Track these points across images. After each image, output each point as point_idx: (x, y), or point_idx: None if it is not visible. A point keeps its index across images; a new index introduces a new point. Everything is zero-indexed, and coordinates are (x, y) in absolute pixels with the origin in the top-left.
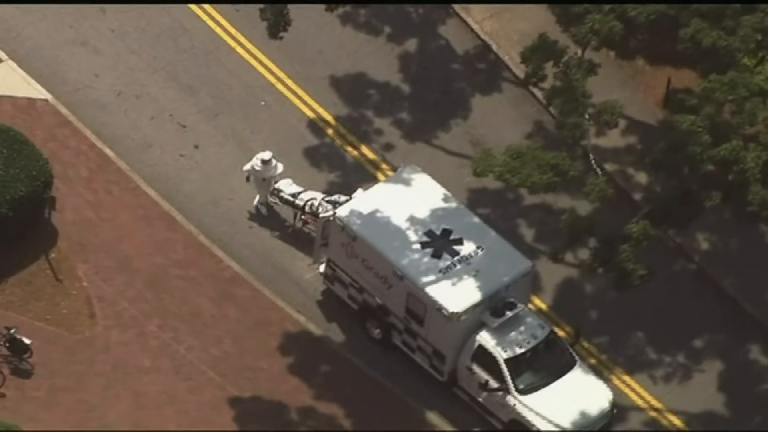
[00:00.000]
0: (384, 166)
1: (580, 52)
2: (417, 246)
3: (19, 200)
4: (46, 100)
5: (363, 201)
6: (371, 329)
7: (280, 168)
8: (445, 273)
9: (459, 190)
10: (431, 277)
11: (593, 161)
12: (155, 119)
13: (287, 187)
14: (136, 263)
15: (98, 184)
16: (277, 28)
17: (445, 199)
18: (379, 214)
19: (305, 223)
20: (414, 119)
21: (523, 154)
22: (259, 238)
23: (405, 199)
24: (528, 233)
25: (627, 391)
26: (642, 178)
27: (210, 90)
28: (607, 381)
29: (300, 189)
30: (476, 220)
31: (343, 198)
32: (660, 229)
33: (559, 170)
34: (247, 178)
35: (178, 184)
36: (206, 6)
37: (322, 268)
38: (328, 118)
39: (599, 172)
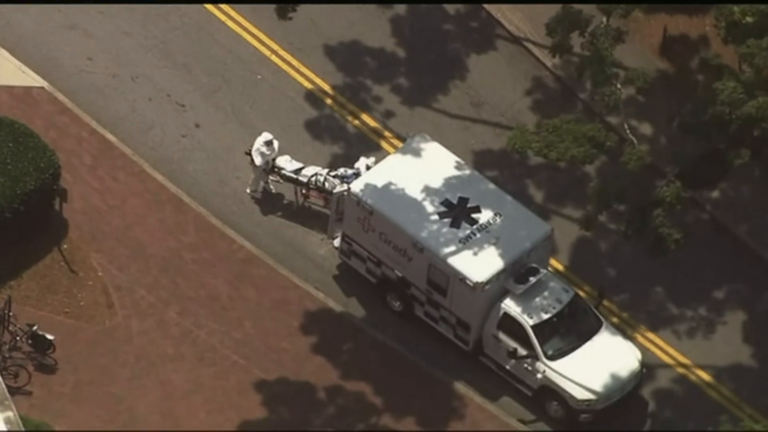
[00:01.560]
0: (387, 134)
1: (605, 20)
2: (435, 217)
3: (30, 194)
4: (42, 88)
5: (376, 174)
6: (391, 302)
7: (277, 145)
8: (466, 242)
9: (464, 153)
10: (452, 248)
11: (627, 130)
12: (153, 100)
13: (287, 163)
14: (148, 249)
15: (103, 171)
16: (285, 9)
17: (458, 167)
18: (393, 187)
19: (306, 197)
20: (412, 84)
21: (558, 127)
22: (268, 215)
23: (418, 170)
24: (537, 194)
25: (653, 348)
26: (646, 129)
27: (205, 67)
28: (632, 339)
29: (300, 164)
30: (491, 186)
31: (350, 171)
32: (690, 191)
33: (596, 141)
34: (252, 161)
35: (183, 165)
36: None
37: (336, 242)
38: (326, 88)
39: (635, 141)
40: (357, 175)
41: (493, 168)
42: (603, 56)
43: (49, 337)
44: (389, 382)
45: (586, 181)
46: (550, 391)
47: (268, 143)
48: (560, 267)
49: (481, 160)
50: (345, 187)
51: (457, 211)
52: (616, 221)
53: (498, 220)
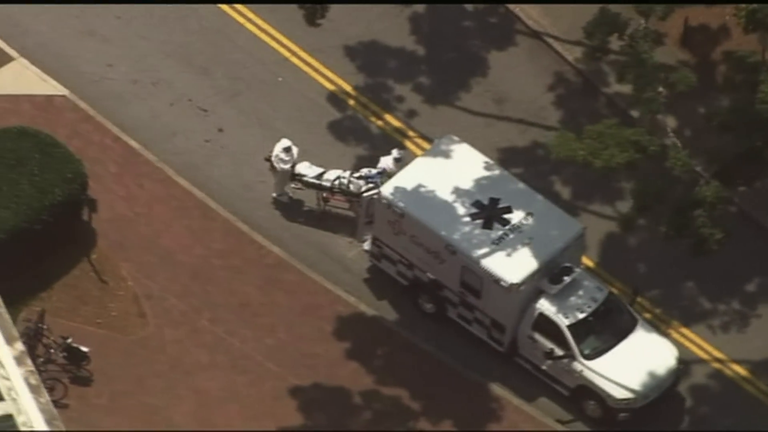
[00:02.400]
0: (411, 133)
1: (643, 22)
2: (466, 218)
3: (58, 205)
4: (64, 96)
5: (406, 177)
6: (424, 304)
7: (296, 151)
8: (499, 243)
9: (489, 151)
10: (485, 249)
11: (671, 133)
12: (175, 105)
13: (307, 169)
14: (177, 256)
15: (128, 179)
16: (314, 15)
17: (488, 167)
18: (423, 189)
19: (326, 201)
20: (433, 82)
21: (601, 133)
22: (294, 220)
23: (447, 171)
24: (564, 190)
25: (687, 343)
26: (670, 122)
27: (225, 70)
28: (666, 336)
29: (320, 169)
30: (522, 185)
31: (374, 171)
32: (730, 190)
33: (640, 146)
34: (271, 167)
35: (208, 170)
36: None
37: (366, 245)
38: (348, 88)
39: (678, 144)
40: (381, 174)
41: (519, 165)
42: (643, 59)
43: (84, 349)
44: (425, 385)
45: (612, 177)
46: (587, 391)
47: (287, 150)
48: (590, 264)
49: (505, 158)
50: (374, 190)
51: (489, 212)
52: (651, 220)
53: (530, 220)
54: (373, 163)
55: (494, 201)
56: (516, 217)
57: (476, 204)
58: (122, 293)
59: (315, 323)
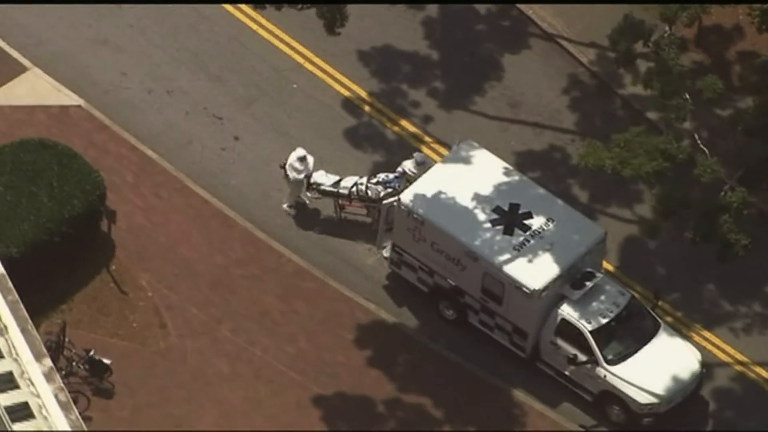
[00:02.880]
0: (427, 138)
1: (667, 29)
2: (487, 224)
3: (78, 217)
4: (79, 106)
5: (425, 184)
6: (444, 311)
7: (311, 161)
8: (520, 249)
9: (505, 155)
10: (507, 256)
11: (698, 141)
12: (190, 114)
13: (324, 178)
14: (196, 266)
15: (146, 188)
16: (334, 24)
17: (507, 173)
18: (443, 196)
19: (342, 208)
20: (448, 86)
21: (629, 141)
22: (312, 227)
23: (466, 177)
24: (582, 194)
25: (709, 346)
26: (686, 124)
27: (240, 78)
28: (688, 339)
29: (336, 177)
30: (541, 191)
31: (391, 175)
32: (755, 195)
33: (668, 155)
34: (286, 176)
35: (225, 179)
36: None
37: (385, 252)
38: (363, 94)
39: (706, 151)
40: (399, 178)
41: (536, 169)
42: (669, 67)
43: (106, 361)
44: (448, 392)
45: (629, 180)
46: (611, 396)
47: (302, 159)
48: (610, 268)
49: (522, 162)
50: (392, 194)
51: (510, 217)
52: (674, 225)
53: (551, 225)
54: (391, 169)
55: (515, 207)
56: (537, 222)
57: (497, 210)
58: (142, 304)
59: (335, 331)
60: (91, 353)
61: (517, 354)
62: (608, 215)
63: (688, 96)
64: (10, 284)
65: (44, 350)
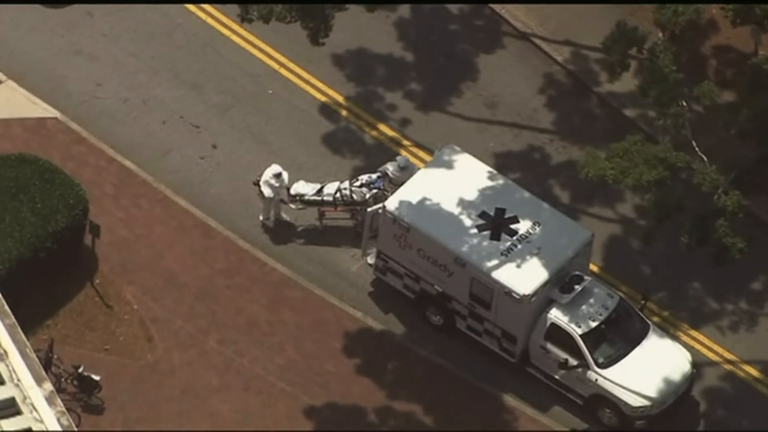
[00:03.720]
0: (406, 142)
1: (660, 35)
2: (474, 230)
3: (61, 232)
4: (55, 118)
5: (409, 190)
6: (431, 317)
7: (286, 176)
8: (508, 255)
9: (484, 156)
10: (494, 261)
11: (696, 148)
12: (167, 123)
13: (305, 188)
14: (181, 278)
15: (126, 200)
16: (318, 34)
17: (491, 177)
18: (428, 202)
19: (323, 215)
20: (424, 88)
21: (627, 150)
22: (295, 235)
23: (451, 183)
24: (563, 194)
25: (697, 346)
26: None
27: (215, 85)
28: (677, 339)
29: (318, 185)
30: (526, 194)
31: (374, 176)
32: (749, 198)
33: (667, 163)
34: (260, 192)
35: (205, 188)
36: None
37: (370, 259)
38: (339, 99)
39: (705, 159)
40: (382, 178)
41: (516, 170)
42: (666, 74)
43: (95, 377)
44: (438, 399)
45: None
46: (602, 399)
47: (277, 176)
48: (594, 268)
49: (502, 163)
50: (378, 196)
51: (496, 222)
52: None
53: (537, 229)
54: (371, 172)
55: (500, 211)
56: (523, 226)
57: (482, 215)
58: (128, 317)
59: (323, 340)
60: (80, 369)
61: (506, 359)
62: (590, 215)
63: (684, 103)
64: (7, 307)
65: (44, 374)
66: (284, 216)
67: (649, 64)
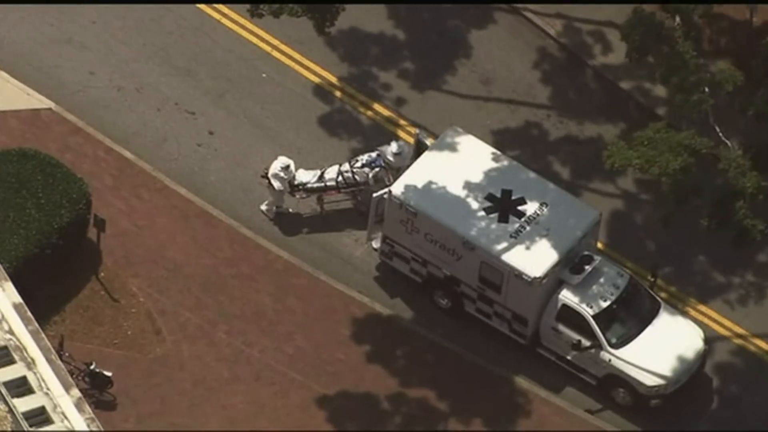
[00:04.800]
0: (402, 122)
1: (677, 20)
2: (481, 213)
3: (66, 227)
4: (50, 109)
5: (415, 174)
6: (439, 300)
7: (293, 168)
8: (517, 237)
9: (482, 134)
10: (504, 244)
11: (720, 133)
12: (162, 110)
13: (306, 176)
14: (186, 268)
15: (126, 190)
16: (324, 24)
17: (496, 158)
18: (434, 186)
19: (322, 199)
20: (418, 67)
21: (652, 138)
22: (299, 221)
23: (456, 165)
24: (563, 170)
25: (706, 320)
26: (661, 91)
27: (208, 70)
28: (685, 315)
29: (318, 171)
30: (532, 175)
31: (374, 154)
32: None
33: (692, 149)
34: (269, 184)
35: (204, 176)
36: None
37: (375, 244)
38: (333, 80)
39: (729, 144)
40: (381, 156)
41: (514, 147)
42: (686, 60)
43: (107, 373)
44: (450, 383)
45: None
46: (616, 379)
47: (286, 168)
48: (599, 245)
49: (500, 140)
50: (380, 174)
51: (503, 204)
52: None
53: (545, 210)
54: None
55: (507, 193)
56: (531, 208)
57: (489, 197)
58: (135, 311)
59: (332, 327)
60: (92, 366)
61: (515, 341)
62: (591, 191)
63: (706, 89)
64: (29, 313)
65: (70, 379)
66: (289, 209)
67: (668, 50)
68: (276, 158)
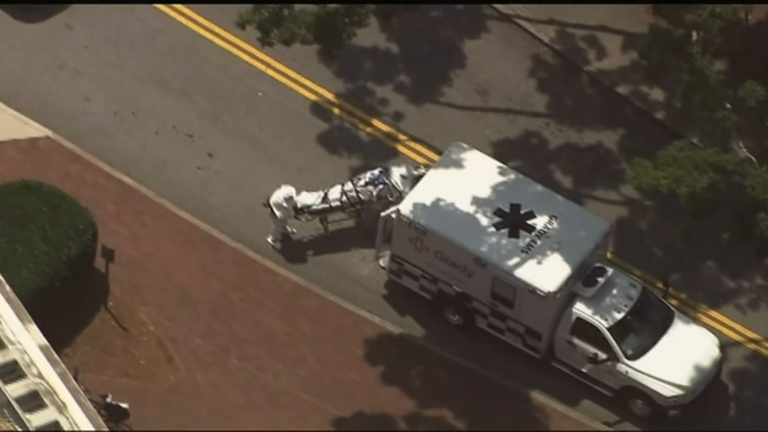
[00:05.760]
0: (402, 137)
1: (695, 35)
2: (491, 229)
3: (75, 258)
4: (47, 137)
5: (422, 192)
6: (450, 317)
7: (295, 195)
8: (528, 251)
9: (481, 145)
10: (516, 259)
11: (744, 149)
12: (160, 134)
13: (310, 198)
14: (194, 294)
15: (129, 217)
16: (330, 49)
17: (502, 172)
18: (442, 203)
19: (325, 219)
20: (413, 80)
21: (677, 158)
22: (304, 242)
23: (462, 181)
24: (564, 179)
25: (718, 326)
26: (658, 94)
27: (204, 91)
28: (698, 322)
29: (321, 192)
30: (539, 187)
31: (376, 171)
32: None
33: (718, 167)
34: (272, 212)
35: (206, 198)
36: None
37: (383, 262)
38: (330, 96)
39: (754, 160)
40: (383, 172)
41: (515, 157)
42: (707, 77)
43: (124, 405)
44: (466, 401)
45: (609, 159)
46: (634, 391)
47: (289, 199)
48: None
49: (500, 151)
50: (384, 191)
51: (512, 219)
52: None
53: (555, 223)
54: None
55: (515, 207)
56: (540, 221)
57: (498, 212)
58: (146, 339)
59: (344, 348)
60: (109, 399)
61: (528, 354)
62: (595, 198)
63: (729, 105)
64: (56, 355)
65: (101, 421)
66: (293, 231)
67: (688, 67)
68: (278, 186)
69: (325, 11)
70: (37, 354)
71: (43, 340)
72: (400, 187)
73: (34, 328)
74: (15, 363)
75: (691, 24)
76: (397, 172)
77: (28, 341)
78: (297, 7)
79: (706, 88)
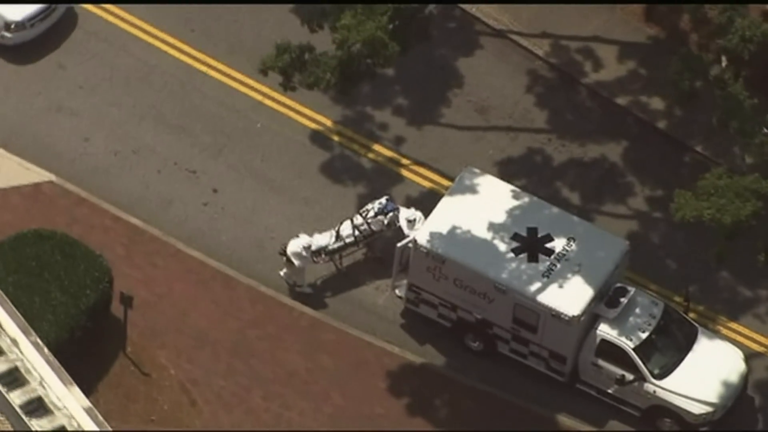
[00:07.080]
0: (405, 161)
1: (724, 60)
2: (510, 254)
3: (93, 306)
4: (51, 182)
5: (437, 221)
6: (470, 343)
7: (312, 242)
8: (549, 276)
9: (485, 165)
10: (537, 285)
11: None
12: (163, 172)
13: (324, 239)
14: (211, 334)
15: (140, 259)
16: (347, 86)
17: (516, 196)
18: (459, 231)
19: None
20: (411, 102)
21: (717, 186)
22: (318, 275)
23: (477, 207)
24: (572, 195)
25: (738, 338)
26: (658, 104)
27: (203, 125)
28: (719, 334)
29: (332, 230)
30: (555, 210)
31: (383, 200)
32: None
33: (759, 194)
34: (289, 261)
35: (215, 235)
36: (160, 33)
37: (399, 292)
38: (329, 123)
39: None
40: (390, 199)
41: (521, 176)
42: (741, 102)
43: None
44: (494, 427)
45: (616, 173)
46: (662, 410)
47: (307, 248)
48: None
49: (505, 171)
50: (394, 219)
51: (530, 243)
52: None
53: (573, 245)
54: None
55: (533, 231)
56: (558, 244)
57: (515, 237)
58: (167, 383)
59: (367, 381)
60: None
61: (552, 377)
62: (604, 214)
63: (766, 129)
64: (101, 417)
65: None
66: (306, 288)
67: (721, 93)
68: (295, 235)
69: (348, 54)
70: (83, 416)
71: (87, 402)
72: (406, 231)
73: (76, 390)
74: (63, 429)
75: (720, 49)
76: (402, 216)
77: (73, 404)
78: (318, 50)
79: (742, 114)
